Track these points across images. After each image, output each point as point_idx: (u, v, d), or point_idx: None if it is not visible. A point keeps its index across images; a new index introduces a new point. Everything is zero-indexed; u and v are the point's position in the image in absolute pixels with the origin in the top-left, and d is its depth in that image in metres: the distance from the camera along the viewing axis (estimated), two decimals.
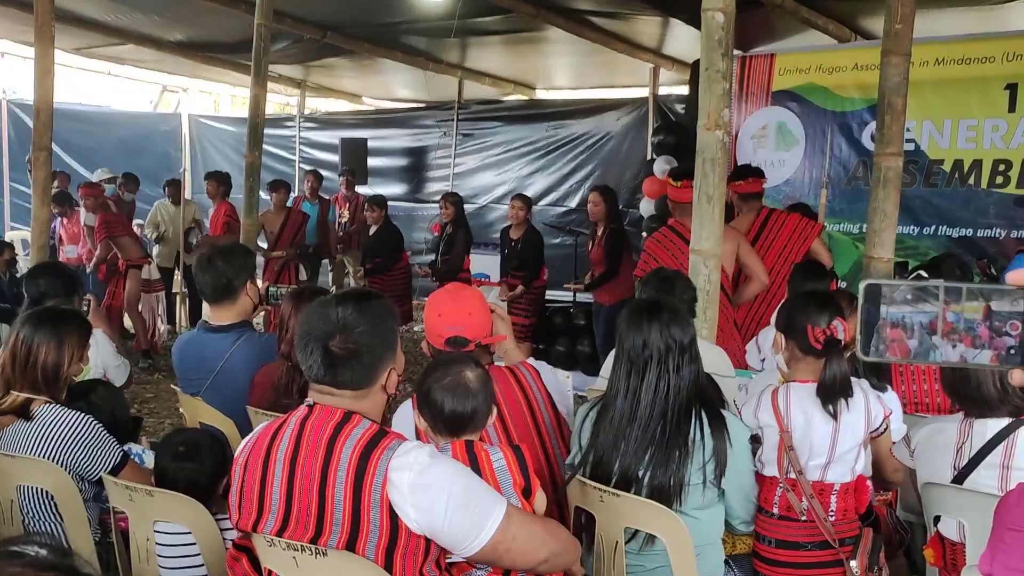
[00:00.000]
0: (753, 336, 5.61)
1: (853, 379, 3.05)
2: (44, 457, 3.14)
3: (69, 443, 3.17)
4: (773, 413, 3.07)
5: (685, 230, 5.86)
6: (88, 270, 9.69)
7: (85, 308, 4.45)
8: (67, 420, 3.20)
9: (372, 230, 9.93)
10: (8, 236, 12.64)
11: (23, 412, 3.21)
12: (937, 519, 2.96)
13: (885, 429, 3.15)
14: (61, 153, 13.30)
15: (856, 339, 1.14)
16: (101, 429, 3.24)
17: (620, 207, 9.08)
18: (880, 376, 3.50)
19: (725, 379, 3.81)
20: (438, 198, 11.28)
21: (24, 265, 9.83)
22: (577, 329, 9.15)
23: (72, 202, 11.02)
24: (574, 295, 9.46)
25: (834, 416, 3.00)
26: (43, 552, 0.93)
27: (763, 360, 4.87)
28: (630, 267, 7.78)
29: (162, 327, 11.18)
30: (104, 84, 16.95)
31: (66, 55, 12.77)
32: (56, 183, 10.94)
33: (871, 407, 3.07)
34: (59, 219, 10.82)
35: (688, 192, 5.81)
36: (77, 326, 3.42)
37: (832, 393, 2.99)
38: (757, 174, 6.36)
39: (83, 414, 3.24)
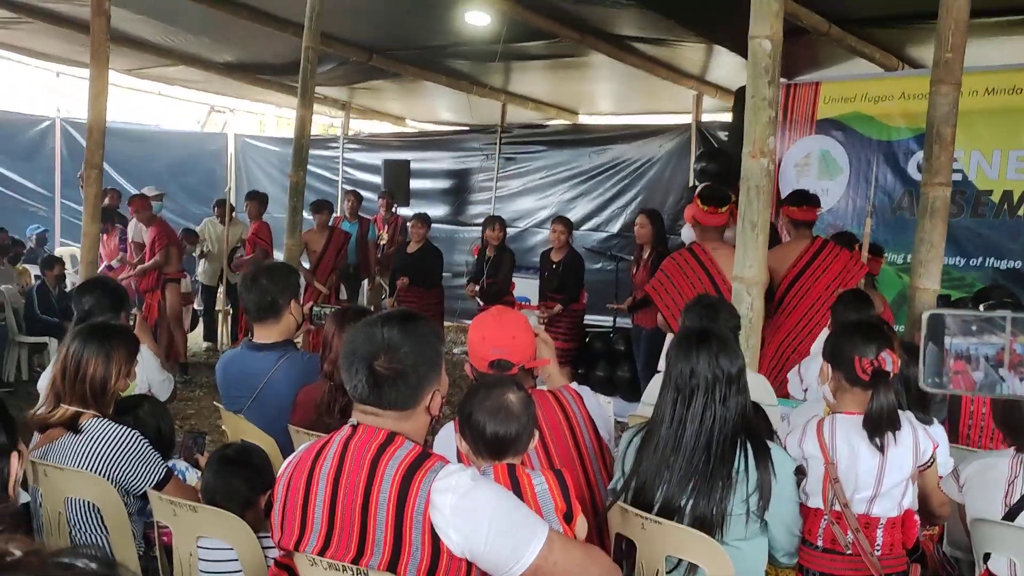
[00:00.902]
0: (790, 365, 5.58)
1: (900, 412, 3.01)
2: (91, 470, 3.17)
3: (115, 457, 3.20)
4: (818, 444, 3.04)
5: (706, 256, 5.83)
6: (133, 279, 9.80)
7: (131, 323, 4.50)
8: (114, 434, 3.24)
9: (412, 247, 9.92)
10: (58, 252, 12.85)
11: (72, 425, 3.25)
12: (987, 556, 2.91)
13: (932, 462, 3.11)
14: (111, 171, 13.49)
15: (920, 369, 1.12)
16: (146, 444, 3.28)
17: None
18: (925, 409, 3.45)
19: (768, 408, 3.78)
20: (479, 220, 11.32)
21: (73, 280, 9.97)
22: (617, 354, 9.12)
23: (115, 219, 11.17)
24: (614, 320, 9.44)
25: (881, 449, 2.96)
26: (92, 565, 0.94)
27: (805, 389, 4.83)
28: None
29: (202, 344, 11.31)
30: (154, 104, 17.21)
31: (118, 75, 12.99)
32: (107, 200, 11.12)
33: (919, 441, 3.03)
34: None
35: (714, 216, 5.79)
36: (125, 341, 3.46)
37: (879, 426, 2.95)
38: (813, 202, 6.26)
39: (129, 429, 3.28)
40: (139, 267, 9.74)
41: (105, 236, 10.96)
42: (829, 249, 6.18)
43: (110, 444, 3.21)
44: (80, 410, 3.29)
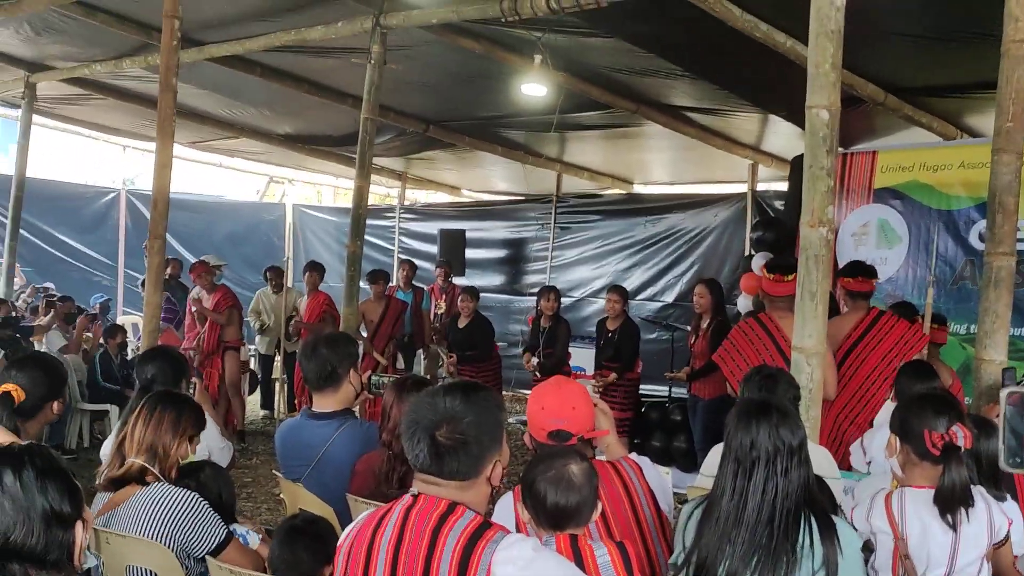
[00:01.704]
0: (848, 436, 5.49)
1: (972, 487, 2.94)
2: (152, 532, 3.21)
3: (177, 518, 3.24)
4: (887, 519, 2.97)
5: (772, 324, 5.77)
6: (193, 349, 9.91)
7: (191, 391, 4.55)
8: (176, 496, 3.29)
9: (463, 321, 9.96)
10: (120, 320, 13.07)
11: (139, 479, 3.33)
12: None
13: (1007, 540, 3.02)
14: (172, 241, 13.77)
15: (1000, 449, 1.10)
16: (207, 507, 3.32)
17: None
18: (997, 484, 3.36)
19: (830, 480, 3.71)
20: (535, 290, 11.34)
21: (135, 348, 10.13)
22: (673, 424, 9.02)
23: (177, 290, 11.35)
24: (669, 390, 9.36)
25: (953, 526, 2.88)
26: None
27: (868, 462, 4.74)
28: None
29: (259, 412, 11.39)
30: (215, 175, 17.61)
31: (181, 147, 13.33)
32: (169, 270, 11.32)
33: (994, 517, 2.95)
34: None
35: (780, 286, 5.73)
36: (192, 410, 3.55)
37: (951, 502, 2.88)
38: (869, 273, 6.21)
39: (191, 491, 3.33)
40: (198, 332, 9.88)
41: (188, 320, 10.95)
42: (885, 319, 6.10)
43: (171, 506, 3.25)
44: (147, 466, 3.36)
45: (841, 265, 7.39)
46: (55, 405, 3.67)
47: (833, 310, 5.72)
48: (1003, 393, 1.08)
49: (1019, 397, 1.06)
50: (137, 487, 3.34)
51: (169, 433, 3.44)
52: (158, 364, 4.38)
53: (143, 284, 11.81)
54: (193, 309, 10.23)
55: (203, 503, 3.32)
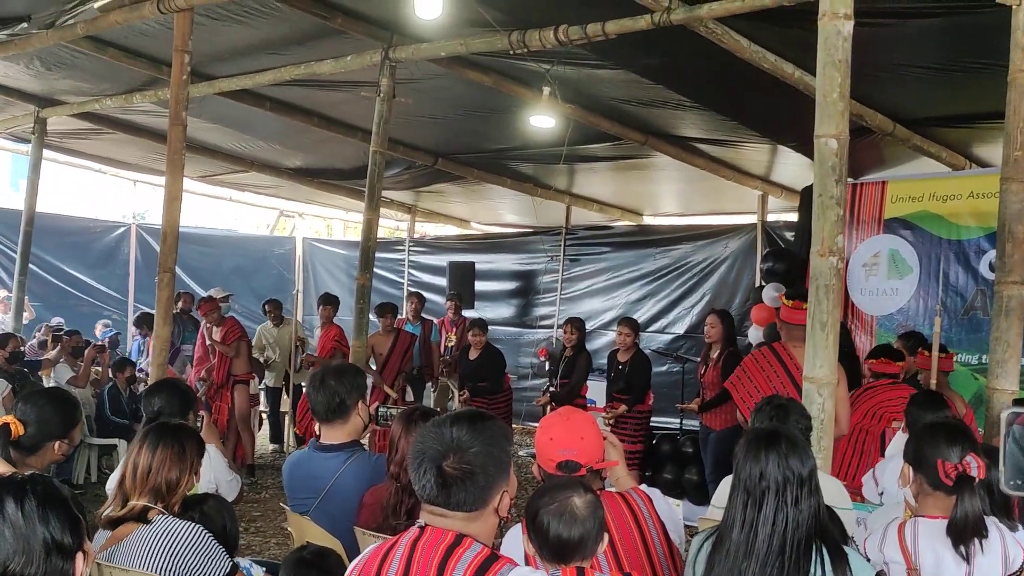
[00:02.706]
0: (857, 464, 5.46)
1: (986, 518, 2.90)
2: (157, 566, 3.19)
3: (182, 551, 3.22)
4: (900, 549, 2.93)
5: (786, 354, 5.75)
6: (200, 383, 9.91)
7: (199, 424, 4.53)
8: (180, 529, 3.27)
9: (473, 354, 9.94)
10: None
11: (142, 518, 3.29)
12: None
13: (1021, 570, 2.98)
14: (182, 274, 13.82)
15: (999, 471, 1.08)
16: (212, 539, 3.30)
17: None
18: (1011, 514, 3.32)
19: (842, 511, 3.67)
20: (545, 323, 11.30)
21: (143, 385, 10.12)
22: (684, 457, 8.98)
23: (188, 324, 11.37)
24: (680, 422, 9.33)
25: (967, 557, 2.85)
26: None
27: (881, 493, 4.70)
28: None
29: (269, 446, 11.36)
30: (224, 209, 17.69)
31: (191, 181, 13.40)
32: (180, 303, 11.35)
33: (1008, 548, 2.91)
34: (144, 339, 11.19)
35: (799, 313, 5.70)
36: (194, 442, 3.52)
37: (964, 534, 2.84)
38: (895, 356, 6.24)
39: (195, 524, 3.30)
40: (207, 364, 9.89)
41: (199, 353, 10.94)
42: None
43: (176, 538, 3.23)
44: (149, 505, 3.33)
45: (851, 293, 7.41)
46: (58, 444, 3.55)
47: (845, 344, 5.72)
48: (1004, 414, 1.06)
49: (1018, 417, 1.05)
50: (139, 524, 3.30)
51: (175, 469, 3.40)
52: (165, 396, 4.37)
53: (137, 323, 11.94)
54: (208, 342, 10.24)
55: (208, 535, 3.30)
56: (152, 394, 4.46)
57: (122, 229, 15.75)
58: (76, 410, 3.77)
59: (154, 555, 3.20)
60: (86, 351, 10.08)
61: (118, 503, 3.38)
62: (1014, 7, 4.75)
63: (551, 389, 9.21)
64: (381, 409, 4.47)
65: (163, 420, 3.90)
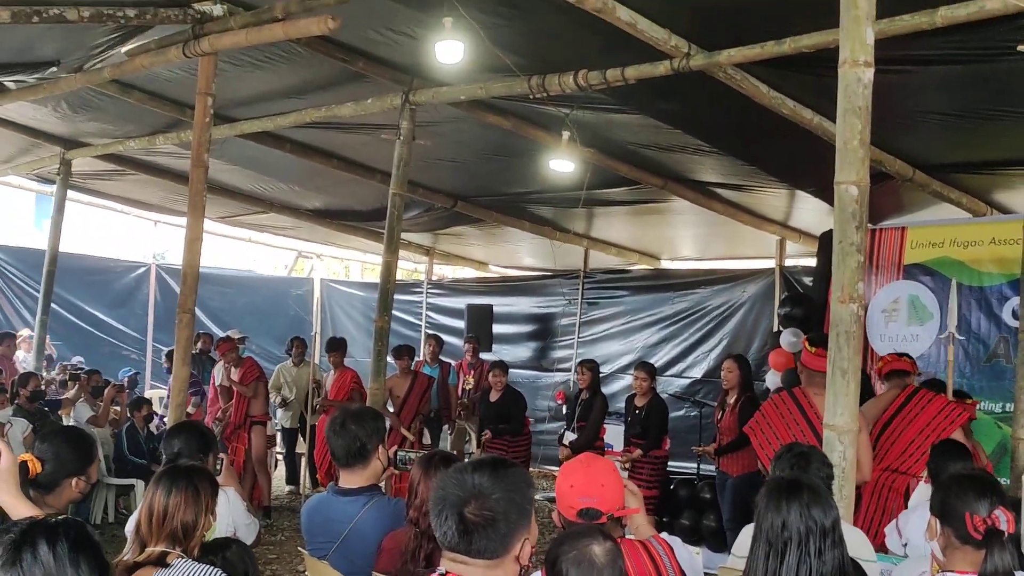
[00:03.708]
0: (883, 513, 5.39)
1: (1017, 573, 2.85)
2: None
3: None
4: None
5: (806, 400, 5.69)
6: (217, 424, 9.90)
7: (218, 467, 4.52)
8: (200, 574, 3.23)
9: (494, 395, 9.92)
10: (148, 394, 13.11)
11: (160, 562, 3.26)
12: None
13: None
14: (200, 314, 13.87)
15: (1021, 532, 1.06)
16: None
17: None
18: None
19: (867, 563, 3.63)
20: (562, 366, 11.25)
21: (161, 422, 10.13)
22: (702, 502, 8.90)
23: (208, 364, 11.40)
24: (698, 467, 9.26)
25: None
26: None
27: (904, 544, 4.64)
28: None
29: (285, 488, 11.32)
30: (243, 249, 17.78)
31: (211, 222, 13.48)
32: (199, 344, 11.38)
33: None
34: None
35: (821, 360, 5.65)
36: (208, 483, 3.49)
37: None
38: (899, 352, 6.21)
39: (216, 568, 3.27)
40: (228, 409, 9.89)
41: (211, 395, 10.94)
42: (921, 395, 6.04)
43: None
44: (167, 550, 3.30)
45: (870, 339, 7.34)
46: (75, 482, 3.55)
47: (866, 391, 5.67)
48: None
49: None
50: (156, 568, 3.27)
51: (191, 512, 3.36)
52: (184, 438, 4.36)
53: (168, 355, 11.92)
54: (217, 383, 10.25)
55: None
56: (172, 436, 4.45)
57: (142, 269, 15.86)
58: (92, 447, 3.77)
59: None
60: (106, 390, 10.10)
61: (136, 549, 3.35)
62: None
63: (566, 437, 9.12)
64: (400, 453, 4.46)
65: (176, 463, 3.89)
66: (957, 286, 7.78)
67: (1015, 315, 6.38)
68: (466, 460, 2.54)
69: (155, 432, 9.86)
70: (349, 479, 3.84)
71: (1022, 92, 4.89)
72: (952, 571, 2.95)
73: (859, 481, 5.39)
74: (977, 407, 7.42)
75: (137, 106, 9.06)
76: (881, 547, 4.70)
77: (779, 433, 5.63)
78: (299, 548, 4.37)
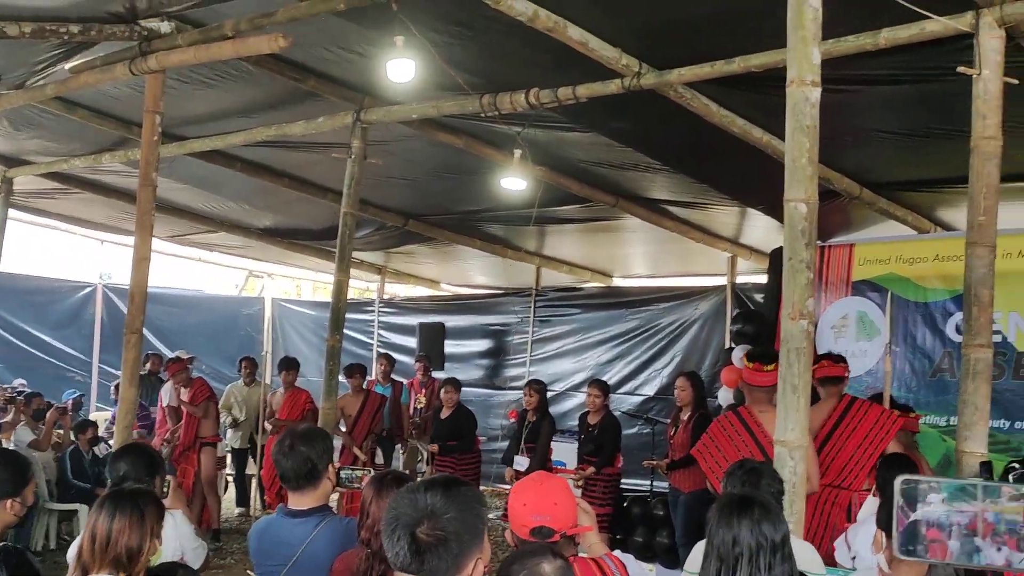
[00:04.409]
0: (829, 526, 5.44)
1: None
2: None
3: None
4: None
5: (752, 420, 5.72)
6: (166, 446, 9.77)
7: (165, 490, 4.45)
8: None
9: (445, 412, 9.88)
10: (93, 416, 12.89)
11: None
12: None
13: None
14: (149, 335, 13.69)
15: (892, 537, 1.09)
16: None
17: None
18: None
19: None
20: (515, 384, 11.22)
21: (106, 445, 9.96)
22: (655, 519, 8.93)
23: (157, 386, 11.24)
24: (651, 484, 9.28)
25: None
26: None
27: (853, 557, 4.67)
28: None
29: (235, 510, 11.18)
30: (194, 269, 17.59)
31: (160, 241, 13.31)
32: (148, 365, 11.22)
33: None
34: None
35: (760, 375, 5.68)
36: (153, 506, 3.43)
37: None
38: (835, 358, 6.25)
39: None
40: (177, 430, 9.76)
41: (159, 417, 10.80)
42: (859, 405, 6.11)
43: None
44: None
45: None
46: (10, 504, 3.47)
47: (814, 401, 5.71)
48: (897, 482, 1.08)
49: (910, 484, 1.07)
50: None
51: (135, 536, 3.29)
52: (130, 460, 4.28)
53: (116, 387, 11.75)
54: (165, 404, 10.11)
55: None
56: (118, 459, 4.37)
57: (88, 289, 15.61)
58: (26, 468, 3.69)
59: None
60: (48, 413, 9.91)
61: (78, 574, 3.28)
62: (975, 76, 4.86)
63: (516, 462, 9.04)
64: (344, 472, 4.40)
65: (121, 486, 3.82)
66: (904, 302, 7.94)
67: (959, 330, 6.47)
68: (418, 479, 2.51)
69: (100, 456, 9.67)
70: (299, 500, 3.79)
71: (963, 112, 4.97)
72: None
73: (808, 491, 5.43)
74: (923, 421, 7.53)
75: (82, 124, 8.91)
76: (830, 560, 4.73)
77: (727, 454, 5.63)
78: (248, 572, 4.31)
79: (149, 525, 3.33)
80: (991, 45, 4.86)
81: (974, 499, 0.98)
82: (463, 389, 10.29)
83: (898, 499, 1.00)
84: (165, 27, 6.77)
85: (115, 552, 3.24)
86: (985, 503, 0.98)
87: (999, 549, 0.96)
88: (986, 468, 4.66)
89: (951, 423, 7.12)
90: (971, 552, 0.98)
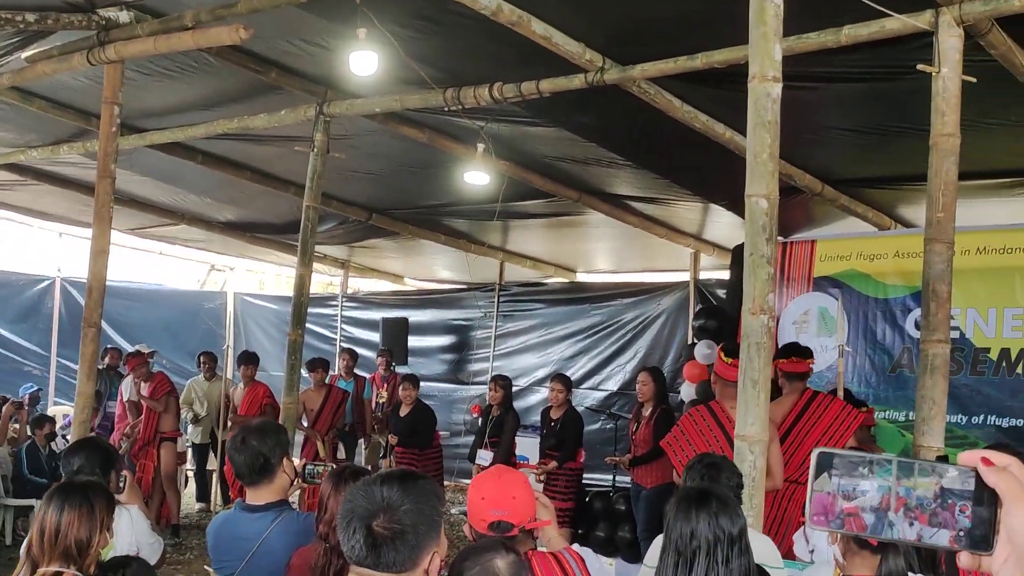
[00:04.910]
0: (789, 520, 5.47)
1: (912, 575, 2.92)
2: None
3: None
4: None
5: (723, 414, 5.75)
6: (125, 441, 9.66)
7: (121, 484, 4.40)
8: None
9: (404, 410, 9.84)
10: (51, 411, 12.74)
11: None
12: None
13: None
14: (108, 329, 13.54)
15: (806, 508, 1.11)
16: None
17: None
18: (935, 570, 3.34)
19: (774, 570, 3.66)
20: (479, 379, 11.19)
21: (64, 441, 9.84)
22: (617, 514, 8.94)
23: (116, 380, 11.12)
24: (613, 479, 9.31)
25: None
26: None
27: (811, 551, 4.70)
28: None
29: (195, 505, 11.09)
30: (155, 263, 17.41)
31: (120, 234, 13.17)
32: (107, 359, 11.08)
33: None
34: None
35: (734, 370, 5.70)
36: (103, 498, 3.39)
37: None
38: (803, 354, 6.27)
39: None
40: (137, 424, 9.66)
41: (119, 411, 10.67)
42: (820, 399, 6.14)
43: None
44: (60, 570, 3.19)
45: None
46: None
47: (776, 395, 5.74)
48: (813, 454, 1.09)
49: (826, 457, 1.08)
50: None
51: (84, 528, 3.25)
52: (85, 455, 4.22)
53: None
54: (125, 399, 10.01)
55: None
56: (72, 453, 4.31)
57: (46, 282, 15.39)
58: None
59: None
60: (3, 408, 9.77)
61: (28, 570, 3.23)
62: (934, 74, 4.90)
63: (479, 456, 9.03)
64: (308, 466, 4.37)
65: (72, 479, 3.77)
66: (864, 298, 8.01)
67: (917, 326, 6.53)
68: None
69: (57, 451, 9.55)
70: (256, 495, 3.76)
71: (922, 110, 5.02)
72: (852, 575, 3.01)
73: (770, 488, 5.46)
74: (882, 415, 7.62)
75: (39, 114, 8.78)
76: (789, 554, 4.76)
77: (697, 448, 5.65)
78: (206, 567, 4.27)
79: (99, 517, 3.28)
80: (950, 43, 4.90)
81: (888, 474, 1.00)
82: (427, 384, 10.27)
83: (813, 470, 1.02)
84: (124, 16, 6.68)
85: (64, 544, 3.19)
86: (899, 478, 1.00)
87: (911, 524, 0.98)
88: (945, 461, 4.71)
89: (910, 418, 7.19)
90: (885, 525, 1.00)
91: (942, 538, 1.03)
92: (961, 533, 1.02)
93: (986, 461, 1.02)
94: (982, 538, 1.01)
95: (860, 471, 1.06)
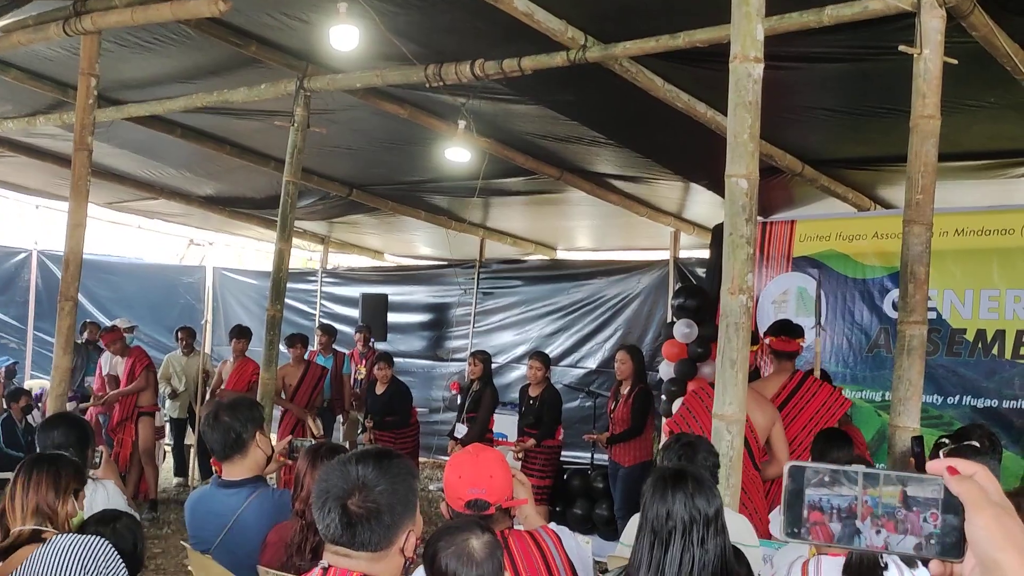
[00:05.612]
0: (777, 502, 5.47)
1: (887, 556, 2.94)
2: None
3: (87, 563, 3.13)
4: None
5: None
6: (103, 414, 9.62)
7: (97, 460, 4.39)
8: (83, 543, 3.18)
9: (380, 388, 9.84)
10: (28, 384, 12.67)
11: (34, 539, 3.19)
12: None
13: None
14: (87, 303, 13.46)
15: (780, 520, 1.13)
16: (117, 556, 3.23)
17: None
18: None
19: (749, 548, 3.69)
20: (458, 356, 11.18)
21: (39, 415, 9.79)
22: (595, 492, 8.98)
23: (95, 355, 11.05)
24: (591, 457, 9.33)
25: None
26: None
27: None
28: (653, 429, 7.69)
29: (173, 480, 11.08)
30: (133, 237, 17.31)
31: (98, 208, 13.07)
32: (86, 334, 11.01)
33: None
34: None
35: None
36: (70, 468, 3.45)
37: (861, 570, 2.88)
38: (795, 332, 6.26)
39: (100, 538, 3.21)
40: (117, 392, 9.61)
41: (97, 385, 10.61)
42: (810, 383, 6.15)
43: (80, 551, 3.14)
44: (39, 528, 3.23)
45: (760, 331, 7.48)
46: None
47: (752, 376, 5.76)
48: (786, 467, 1.11)
49: (798, 469, 1.10)
50: (34, 546, 3.19)
51: (51, 492, 3.30)
52: (62, 430, 4.22)
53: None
54: (105, 373, 9.96)
55: (113, 552, 3.22)
56: (48, 428, 4.31)
57: (22, 255, 15.27)
58: None
59: (59, 571, 3.08)
60: None
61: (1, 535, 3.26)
62: (916, 56, 4.90)
63: (458, 430, 9.06)
64: (295, 442, 4.36)
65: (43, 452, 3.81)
66: (842, 278, 8.04)
67: (895, 307, 6.56)
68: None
69: (33, 424, 9.51)
70: (231, 471, 3.76)
71: (903, 91, 5.01)
72: (826, 554, 3.03)
73: (775, 475, 5.46)
74: (859, 395, 7.66)
75: (15, 85, 8.67)
76: (765, 533, 4.79)
77: (704, 424, 5.65)
78: (182, 542, 4.27)
79: (65, 483, 3.34)
80: (932, 25, 4.89)
81: (855, 484, 1.02)
82: (406, 360, 10.26)
83: (786, 483, 1.03)
84: None
85: (34, 505, 3.26)
86: (865, 487, 1.02)
87: (878, 532, 1.00)
88: (918, 442, 4.74)
89: (886, 398, 7.22)
90: (852, 534, 1.02)
91: (908, 545, 1.05)
92: (931, 541, 1.04)
93: (951, 470, 1.04)
94: (953, 545, 1.03)
95: (827, 481, 1.08)
